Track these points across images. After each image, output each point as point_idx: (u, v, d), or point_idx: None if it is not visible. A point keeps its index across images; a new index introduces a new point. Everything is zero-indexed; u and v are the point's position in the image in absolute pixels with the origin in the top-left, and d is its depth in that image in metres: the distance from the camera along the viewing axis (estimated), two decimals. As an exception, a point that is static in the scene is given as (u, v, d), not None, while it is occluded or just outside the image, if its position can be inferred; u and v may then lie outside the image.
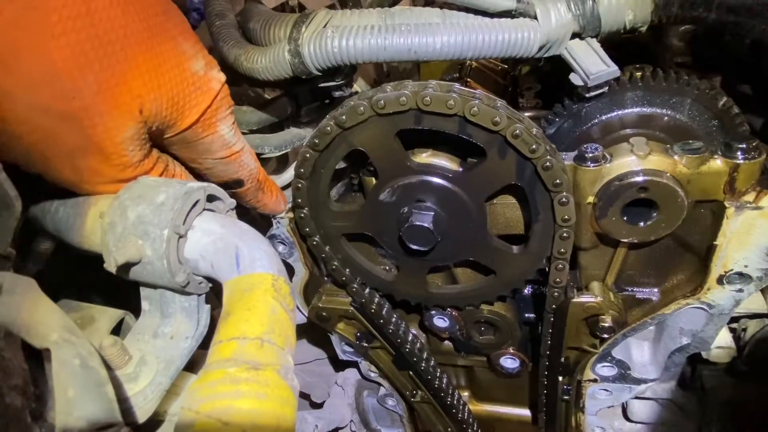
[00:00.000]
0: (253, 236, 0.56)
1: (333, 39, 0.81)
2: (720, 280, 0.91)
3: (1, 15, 0.50)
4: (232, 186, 0.81)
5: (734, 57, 1.19)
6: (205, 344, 0.65)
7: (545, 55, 0.86)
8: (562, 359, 1.10)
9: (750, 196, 0.81)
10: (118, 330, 0.70)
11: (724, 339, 1.10)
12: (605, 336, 1.01)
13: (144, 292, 0.61)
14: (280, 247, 1.15)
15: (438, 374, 1.23)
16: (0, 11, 0.50)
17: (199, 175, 0.81)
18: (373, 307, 1.12)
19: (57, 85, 0.55)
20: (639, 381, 1.14)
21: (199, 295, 0.60)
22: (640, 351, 1.14)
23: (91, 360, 0.41)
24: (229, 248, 0.54)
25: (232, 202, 0.63)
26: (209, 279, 0.59)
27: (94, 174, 0.61)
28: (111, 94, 0.58)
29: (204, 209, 0.58)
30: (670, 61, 1.29)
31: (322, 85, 0.96)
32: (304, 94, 1.10)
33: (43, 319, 0.43)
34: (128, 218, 0.54)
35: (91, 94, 0.57)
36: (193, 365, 0.67)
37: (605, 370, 1.14)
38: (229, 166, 0.78)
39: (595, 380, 1.16)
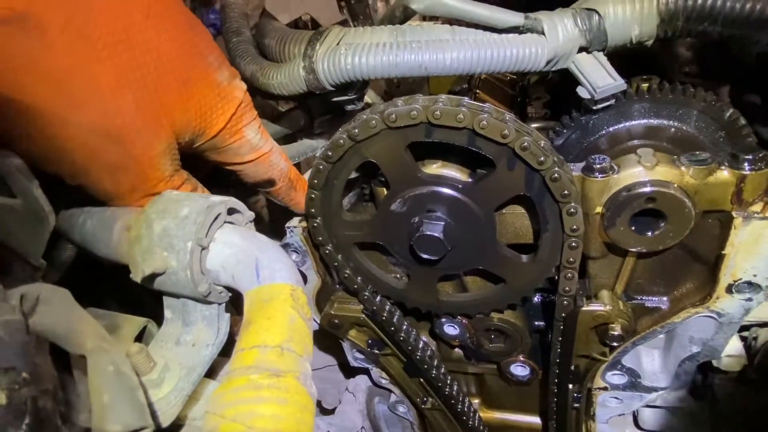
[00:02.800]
0: (272, 248, 0.59)
1: (346, 56, 0.83)
2: (729, 289, 0.91)
3: (55, 44, 0.54)
4: (265, 185, 0.85)
5: (742, 67, 1.20)
6: (224, 351, 0.67)
7: (553, 69, 0.88)
8: (572, 367, 1.11)
9: (757, 207, 0.82)
10: (140, 337, 0.72)
11: (734, 347, 1.10)
12: (615, 344, 1.02)
13: (167, 301, 0.64)
14: (294, 256, 1.17)
15: (449, 381, 1.24)
16: (53, 41, 0.54)
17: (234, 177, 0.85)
18: (385, 314, 1.13)
19: (101, 105, 0.59)
20: (649, 389, 1.14)
21: (220, 304, 0.63)
22: (650, 359, 1.15)
23: (124, 366, 0.43)
24: (250, 260, 0.57)
25: (251, 214, 0.66)
26: (229, 289, 0.62)
27: (131, 187, 0.65)
28: (147, 111, 0.62)
29: (225, 222, 0.60)
30: (678, 71, 1.30)
31: (335, 99, 0.99)
32: (317, 107, 1.13)
33: (78, 327, 0.45)
34: (154, 231, 0.57)
35: (131, 112, 0.61)
36: (211, 371, 0.69)
37: (615, 378, 1.14)
38: (259, 167, 0.82)
39: (605, 388, 1.16)
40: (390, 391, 1.40)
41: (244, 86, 0.77)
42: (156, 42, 0.62)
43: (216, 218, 0.58)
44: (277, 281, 0.55)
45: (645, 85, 0.94)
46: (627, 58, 0.95)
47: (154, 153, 0.64)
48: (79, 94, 0.58)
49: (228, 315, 0.64)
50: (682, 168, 0.82)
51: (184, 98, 0.66)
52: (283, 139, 1.21)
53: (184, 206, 0.58)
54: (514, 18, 0.83)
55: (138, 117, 0.62)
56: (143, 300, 0.93)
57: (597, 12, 0.84)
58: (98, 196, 0.68)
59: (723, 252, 0.87)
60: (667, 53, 1.32)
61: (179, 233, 0.56)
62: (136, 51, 0.60)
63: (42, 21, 0.53)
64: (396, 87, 1.59)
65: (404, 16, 0.90)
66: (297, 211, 1.00)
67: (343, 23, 1.37)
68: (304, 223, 1.08)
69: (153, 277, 0.57)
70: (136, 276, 0.57)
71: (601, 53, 0.88)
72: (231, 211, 0.62)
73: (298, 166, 1.48)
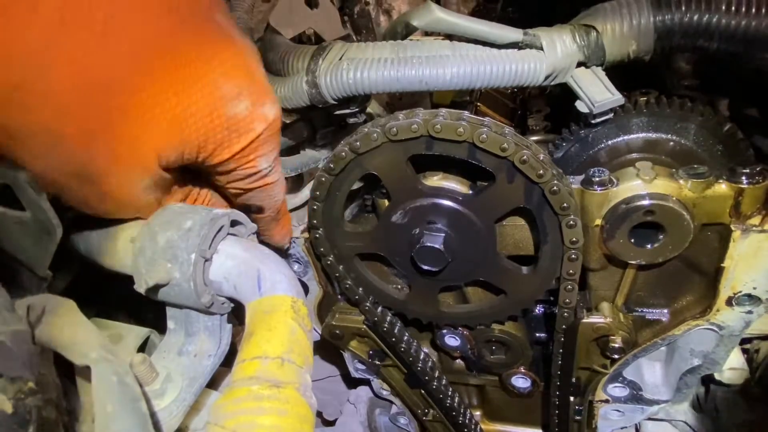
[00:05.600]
0: (273, 260, 0.60)
1: (348, 71, 0.85)
2: (729, 302, 0.92)
3: (11, 98, 0.49)
4: (251, 210, 0.80)
5: (740, 81, 1.21)
6: (226, 362, 0.68)
7: (552, 84, 0.89)
8: (574, 379, 1.11)
9: (756, 220, 0.83)
10: (143, 347, 0.73)
11: (736, 360, 1.10)
12: (616, 356, 1.02)
13: (170, 311, 0.65)
14: (296, 266, 1.17)
15: (450, 393, 1.24)
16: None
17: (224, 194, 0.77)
18: (386, 325, 1.13)
19: (68, 152, 0.55)
20: (651, 402, 1.14)
21: (222, 315, 0.64)
22: (651, 372, 1.15)
23: (127, 377, 0.44)
24: (252, 271, 0.58)
25: (254, 226, 0.67)
26: (231, 300, 0.63)
27: (113, 212, 0.62)
28: (125, 155, 0.57)
29: (228, 234, 0.62)
30: (678, 85, 1.31)
31: (337, 112, 1.00)
32: (320, 120, 1.14)
33: (83, 338, 0.46)
34: (158, 243, 0.58)
35: (104, 160, 0.56)
36: (213, 382, 0.70)
37: (617, 390, 1.14)
38: (255, 194, 0.74)
39: (606, 401, 1.16)
40: (391, 402, 1.40)
41: (273, 114, 0.66)
42: (148, 81, 0.55)
43: (219, 230, 0.60)
44: (278, 293, 0.56)
45: (643, 99, 0.95)
46: (627, 72, 0.96)
47: (134, 191, 0.59)
48: (42, 149, 0.53)
49: (230, 326, 0.65)
50: (681, 181, 0.83)
51: (176, 136, 0.58)
52: (286, 151, 1.22)
53: (188, 218, 0.59)
54: (513, 34, 0.84)
55: (112, 162, 0.56)
56: (146, 310, 0.94)
57: (595, 28, 0.85)
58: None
59: (722, 265, 0.88)
60: (666, 67, 1.33)
61: (183, 245, 0.57)
62: (116, 101, 0.53)
63: None
64: (398, 99, 1.61)
65: (406, 31, 0.92)
66: (268, 242, 0.93)
67: (346, 38, 1.39)
68: (306, 234, 1.09)
69: (156, 288, 0.58)
70: (140, 287, 0.58)
71: (599, 68, 0.89)
72: (234, 223, 0.64)
73: (300, 176, 1.50)
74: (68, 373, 0.58)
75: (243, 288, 0.58)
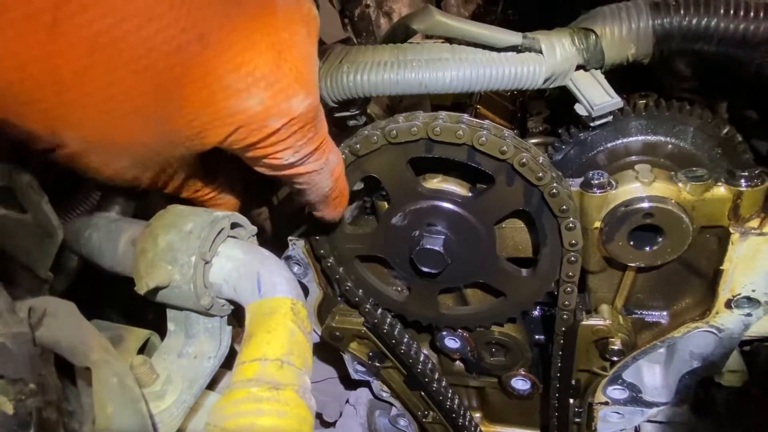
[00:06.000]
0: (273, 262, 0.60)
1: (348, 74, 0.85)
2: (728, 304, 0.92)
3: None
4: (294, 193, 0.71)
5: (739, 84, 1.21)
6: (226, 363, 0.68)
7: (550, 87, 0.89)
8: (573, 381, 1.11)
9: (754, 222, 0.83)
10: (143, 349, 0.74)
11: (736, 363, 1.10)
12: (615, 358, 1.02)
13: (170, 313, 0.65)
14: (296, 268, 1.17)
15: (449, 395, 1.24)
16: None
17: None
18: (386, 327, 1.14)
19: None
20: (651, 404, 1.14)
21: (222, 317, 0.64)
22: (651, 374, 1.15)
23: (127, 379, 0.44)
24: (252, 274, 0.58)
25: (254, 228, 0.67)
26: (231, 302, 0.63)
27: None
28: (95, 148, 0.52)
29: (228, 236, 0.62)
30: (677, 87, 1.31)
31: (337, 115, 1.01)
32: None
33: (84, 340, 0.46)
34: (159, 245, 0.59)
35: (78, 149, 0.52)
36: (213, 383, 0.70)
37: (616, 392, 1.14)
38: (291, 180, 0.65)
39: (606, 403, 1.16)
40: (391, 404, 1.40)
41: (301, 107, 0.55)
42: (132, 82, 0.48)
43: (219, 233, 0.60)
44: (278, 295, 0.56)
45: (642, 102, 0.96)
46: (626, 75, 0.96)
47: (116, 167, 0.55)
48: (20, 131, 0.49)
49: (230, 327, 0.65)
50: (680, 184, 0.83)
51: (162, 127, 0.51)
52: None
53: (189, 221, 0.59)
54: (513, 37, 0.85)
55: (87, 146, 0.52)
56: (146, 312, 0.94)
57: (594, 32, 0.86)
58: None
59: (721, 267, 0.88)
60: (665, 70, 1.33)
61: (183, 247, 0.57)
62: (67, 84, 0.47)
63: None
64: (398, 101, 1.61)
65: (406, 35, 0.92)
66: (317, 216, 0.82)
67: (346, 40, 1.40)
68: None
69: (157, 290, 0.58)
70: (140, 289, 0.58)
71: (598, 71, 0.90)
72: (234, 226, 0.64)
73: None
74: (69, 375, 0.58)
75: (243, 290, 0.58)
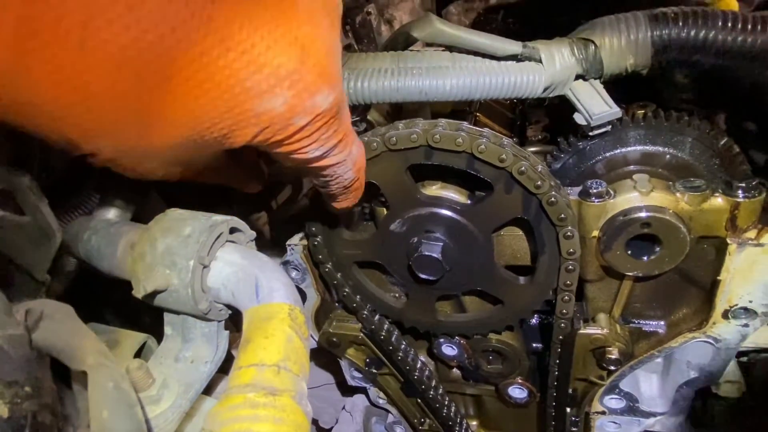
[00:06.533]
0: (271, 267, 0.60)
1: (349, 80, 0.86)
2: (725, 315, 0.92)
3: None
4: (316, 182, 0.71)
5: (737, 95, 1.22)
6: (222, 368, 0.68)
7: (549, 96, 0.90)
8: (570, 390, 1.11)
9: (751, 233, 0.83)
10: (140, 353, 0.73)
11: (733, 373, 1.10)
12: (612, 368, 1.02)
13: (167, 317, 0.65)
14: (294, 273, 1.17)
15: (446, 402, 1.24)
16: None
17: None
18: (383, 333, 1.13)
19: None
20: (648, 414, 1.14)
21: (219, 321, 0.64)
22: (648, 384, 1.14)
23: (123, 383, 0.44)
24: (250, 278, 0.58)
25: (252, 233, 0.67)
26: (229, 306, 0.63)
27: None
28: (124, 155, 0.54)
29: (227, 241, 0.62)
30: (675, 98, 1.32)
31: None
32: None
33: (80, 343, 0.46)
34: (157, 249, 0.59)
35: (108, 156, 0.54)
36: (209, 388, 0.70)
37: (613, 402, 1.14)
38: (313, 172, 0.65)
39: (603, 412, 1.16)
40: (387, 411, 1.39)
41: (327, 103, 0.55)
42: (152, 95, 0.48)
43: (218, 237, 0.60)
44: (275, 300, 0.56)
45: (641, 112, 0.96)
46: (625, 84, 0.97)
47: (147, 167, 0.56)
48: (54, 140, 0.51)
49: (227, 332, 0.65)
50: (677, 194, 0.84)
51: (188, 131, 0.52)
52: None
53: (188, 225, 0.59)
54: (513, 47, 0.85)
55: (119, 154, 0.53)
56: (144, 315, 0.94)
57: (593, 42, 0.86)
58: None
59: (719, 278, 0.88)
60: (664, 80, 1.34)
61: (182, 251, 0.57)
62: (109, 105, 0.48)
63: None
64: (398, 108, 1.62)
65: (406, 43, 0.93)
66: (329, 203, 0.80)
67: (348, 47, 1.41)
68: (304, 241, 1.09)
69: (154, 294, 0.58)
70: (138, 293, 0.58)
71: (597, 81, 0.90)
72: (233, 230, 0.64)
73: (299, 184, 1.51)
74: (65, 378, 0.58)
75: (241, 295, 0.58)
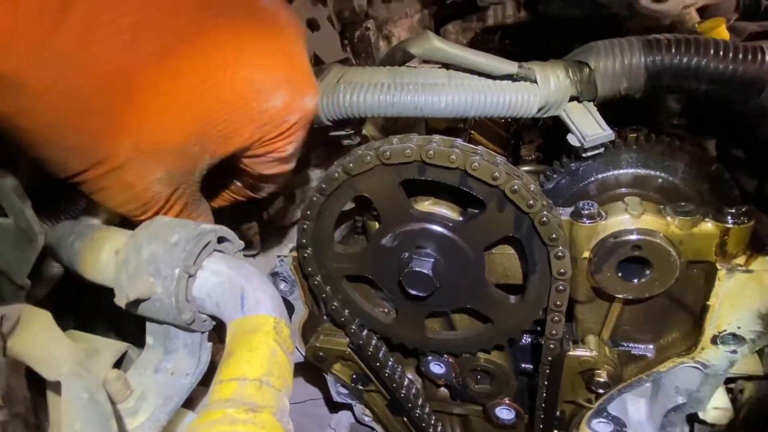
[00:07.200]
0: (258, 279, 0.59)
1: (345, 94, 0.86)
2: (714, 340, 0.92)
3: (36, 103, 0.52)
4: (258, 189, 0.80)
5: (728, 122, 1.24)
6: (205, 380, 0.66)
7: (543, 116, 0.91)
8: (558, 413, 1.09)
9: (741, 259, 0.84)
10: (119, 362, 0.71)
11: (721, 400, 1.09)
12: (600, 391, 1.01)
13: (149, 327, 0.63)
14: (282, 285, 1.16)
15: (433, 422, 1.22)
16: (35, 101, 0.52)
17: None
18: (370, 349, 1.12)
19: (92, 152, 0.57)
20: (635, 439, 1.12)
21: (203, 332, 0.62)
22: (636, 408, 1.13)
23: (99, 395, 0.43)
24: (235, 289, 0.57)
25: (240, 243, 0.66)
26: (214, 318, 0.62)
27: (129, 202, 0.61)
28: (144, 147, 0.58)
29: (214, 250, 0.61)
30: (667, 123, 1.34)
31: (332, 134, 1.01)
32: (314, 140, 1.15)
33: (56, 352, 0.45)
34: (142, 256, 0.57)
35: (126, 153, 0.58)
36: (190, 401, 0.68)
37: (601, 426, 1.12)
38: (273, 179, 0.76)
39: (591, 436, 1.14)
40: (373, 429, 1.37)
41: (311, 104, 0.66)
42: (168, 84, 0.57)
43: (205, 246, 0.59)
44: (261, 312, 0.55)
45: (633, 136, 0.97)
46: (616, 107, 0.98)
47: (148, 181, 0.61)
48: (66, 144, 0.56)
49: (210, 344, 0.63)
50: (668, 218, 0.84)
51: (198, 133, 0.59)
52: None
53: (175, 233, 0.58)
54: (508, 66, 0.86)
55: (134, 154, 0.58)
56: (127, 323, 0.92)
57: (588, 65, 0.87)
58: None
59: (708, 303, 0.88)
60: (656, 105, 1.36)
61: (167, 259, 0.56)
62: (140, 98, 0.56)
63: (22, 82, 0.51)
64: (394, 123, 1.63)
65: (403, 59, 0.93)
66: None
67: (345, 61, 1.42)
68: (294, 253, 1.08)
69: (137, 302, 0.57)
70: (120, 300, 0.56)
71: (591, 103, 0.91)
72: (221, 240, 0.63)
73: (292, 195, 1.50)
74: (40, 386, 0.56)
75: (226, 306, 0.57)
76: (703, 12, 1.39)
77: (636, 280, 0.88)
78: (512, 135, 1.52)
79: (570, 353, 0.98)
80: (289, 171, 0.76)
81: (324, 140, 1.15)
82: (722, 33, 1.22)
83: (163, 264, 0.56)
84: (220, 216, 1.25)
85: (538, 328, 1.00)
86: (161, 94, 0.57)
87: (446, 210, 0.93)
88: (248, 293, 0.55)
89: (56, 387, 0.48)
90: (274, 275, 1.15)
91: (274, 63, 0.63)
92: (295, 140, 0.69)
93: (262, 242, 1.47)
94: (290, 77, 0.64)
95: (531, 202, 0.81)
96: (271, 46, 0.62)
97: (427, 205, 0.94)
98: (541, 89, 0.87)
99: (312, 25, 1.20)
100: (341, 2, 1.40)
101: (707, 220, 0.82)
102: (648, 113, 1.33)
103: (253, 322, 0.53)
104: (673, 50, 0.83)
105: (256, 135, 0.64)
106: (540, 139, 1.51)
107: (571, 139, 0.90)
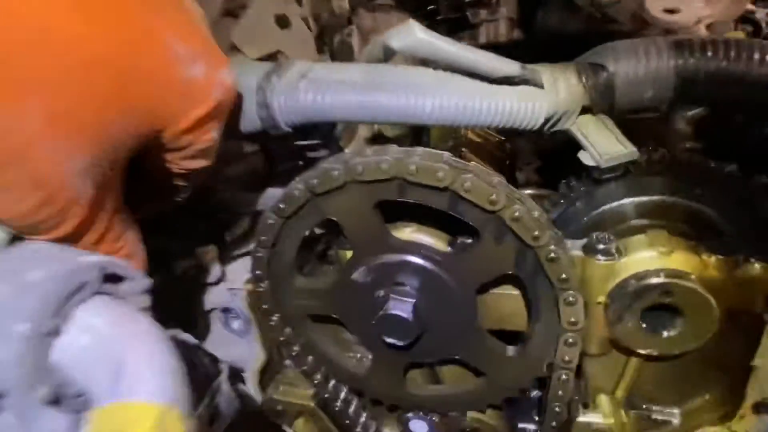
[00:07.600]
0: (151, 343, 0.40)
1: (306, 92, 0.70)
2: (757, 408, 0.76)
3: None
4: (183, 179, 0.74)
5: (747, 146, 1.12)
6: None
7: (552, 130, 0.75)
8: (564, 489, 0.91)
9: (795, 311, 0.68)
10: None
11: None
12: (616, 466, 0.84)
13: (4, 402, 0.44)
14: (235, 324, 1.00)
15: (412, 492, 1.03)
16: None
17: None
18: (338, 404, 0.95)
19: None
20: None
21: (78, 412, 0.44)
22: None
23: None
24: (112, 357, 0.38)
25: (146, 282, 0.48)
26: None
27: (35, 213, 0.49)
28: (60, 122, 0.51)
29: (97, 293, 0.42)
30: (678, 147, 1.21)
31: (297, 143, 0.86)
32: (279, 152, 1.00)
33: None
34: (-17, 302, 0.39)
35: (35, 126, 0.50)
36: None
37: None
38: (194, 176, 0.72)
39: None
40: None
41: (230, 79, 0.65)
42: (87, 36, 0.52)
43: (79, 289, 0.41)
44: (141, 398, 0.36)
45: (657, 157, 0.83)
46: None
47: (67, 172, 0.52)
48: None
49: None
50: (704, 256, 0.69)
51: (121, 101, 0.55)
52: (243, 187, 1.07)
53: (37, 266, 0.40)
54: (509, 66, 0.71)
55: (47, 130, 0.50)
56: None
57: (605, 68, 0.73)
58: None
59: (752, 363, 0.72)
60: (664, 126, 1.24)
61: (17, 307, 0.38)
62: (55, 50, 0.50)
63: None
64: (381, 135, 1.48)
65: (384, 56, 0.78)
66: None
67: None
68: (250, 286, 0.91)
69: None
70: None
71: (607, 116, 0.77)
72: (112, 278, 0.45)
73: (259, 215, 1.34)
74: None
75: (93, 380, 0.38)
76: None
77: (665, 333, 0.72)
78: (508, 155, 1.38)
79: (579, 419, 0.82)
80: (209, 167, 0.72)
81: (291, 152, 0.99)
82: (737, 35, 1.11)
83: (8, 316, 0.37)
84: (168, 236, 1.09)
85: (541, 387, 0.83)
86: (80, 50, 0.52)
87: (431, 239, 0.78)
88: (128, 366, 0.37)
89: None
90: (225, 311, 0.98)
91: (190, 33, 0.62)
92: (219, 125, 0.67)
93: (221, 269, 1.29)
94: (205, 49, 0.63)
95: (537, 233, 0.66)
96: (184, 19, 0.63)
97: (408, 232, 0.78)
98: (549, 96, 0.72)
99: (281, 21, 1.06)
100: (319, 4, 1.27)
101: (753, 261, 0.68)
102: (654, 135, 1.20)
103: (124, 414, 0.35)
104: (710, 52, 0.69)
105: (180, 106, 0.61)
106: (538, 161, 1.38)
107: (584, 158, 0.75)
